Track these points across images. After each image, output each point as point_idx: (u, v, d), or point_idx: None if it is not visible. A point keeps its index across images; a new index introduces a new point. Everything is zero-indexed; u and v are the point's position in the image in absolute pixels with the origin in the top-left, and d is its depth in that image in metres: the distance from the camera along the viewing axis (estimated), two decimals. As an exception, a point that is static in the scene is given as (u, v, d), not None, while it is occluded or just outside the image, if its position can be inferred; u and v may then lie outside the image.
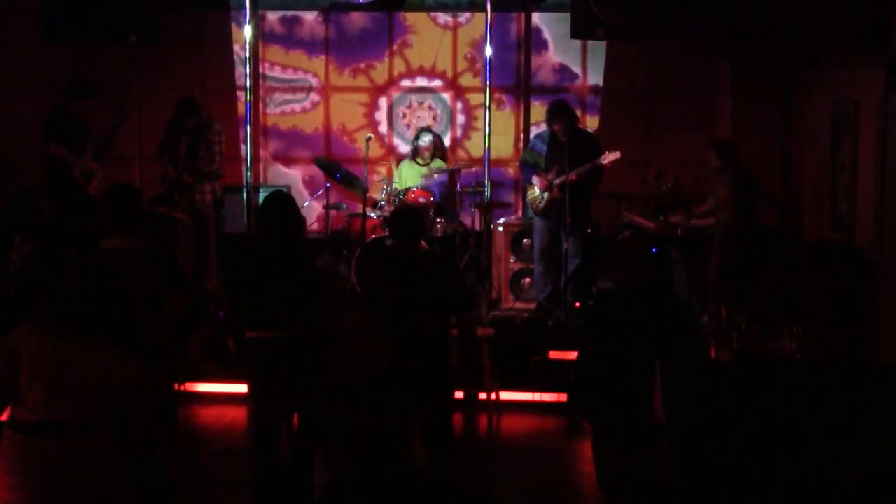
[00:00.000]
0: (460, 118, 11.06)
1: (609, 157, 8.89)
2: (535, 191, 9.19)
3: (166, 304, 5.15)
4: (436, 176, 10.13)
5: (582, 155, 8.92)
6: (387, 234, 9.54)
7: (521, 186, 10.53)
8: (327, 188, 10.07)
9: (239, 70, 10.64)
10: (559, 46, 10.82)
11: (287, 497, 5.91)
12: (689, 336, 5.04)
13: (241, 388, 7.34)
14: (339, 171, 10.03)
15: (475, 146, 10.81)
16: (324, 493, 2.59)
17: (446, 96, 11.03)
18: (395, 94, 11.03)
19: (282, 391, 5.91)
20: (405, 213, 6.39)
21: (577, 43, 10.57)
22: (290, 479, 5.95)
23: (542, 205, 9.15)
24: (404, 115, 11.06)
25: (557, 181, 8.95)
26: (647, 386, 4.62)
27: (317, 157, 10.59)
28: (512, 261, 9.82)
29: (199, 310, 5.64)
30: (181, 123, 9.43)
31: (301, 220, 6.12)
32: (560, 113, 9.00)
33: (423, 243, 8.91)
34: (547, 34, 10.87)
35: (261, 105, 11.01)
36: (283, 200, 6.09)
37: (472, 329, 7.67)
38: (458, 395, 7.68)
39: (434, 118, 10.99)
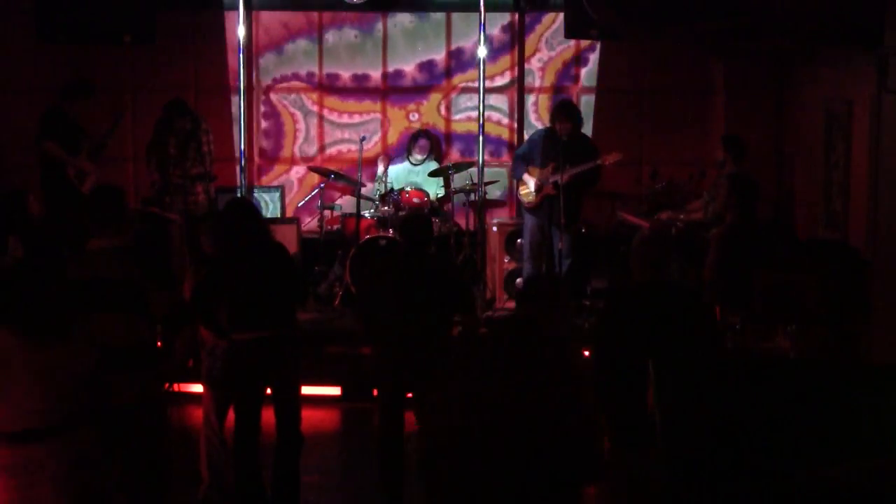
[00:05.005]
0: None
1: (610, 159, 8.92)
2: (528, 187, 9.19)
3: (151, 304, 5.13)
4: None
5: (579, 156, 8.93)
6: (380, 234, 9.55)
7: (514, 183, 10.52)
8: (321, 188, 10.05)
9: (233, 70, 10.60)
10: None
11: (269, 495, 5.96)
12: (707, 329, 5.08)
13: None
14: (333, 172, 10.01)
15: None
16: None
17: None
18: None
19: (262, 392, 5.99)
20: (415, 221, 6.39)
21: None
22: (275, 477, 5.99)
23: (533, 200, 9.15)
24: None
25: (553, 178, 8.95)
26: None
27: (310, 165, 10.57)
28: (506, 261, 9.81)
29: (183, 310, 5.62)
30: (169, 125, 9.41)
31: (265, 222, 6.22)
32: (567, 113, 9.03)
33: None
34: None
35: (254, 104, 10.98)
36: (243, 208, 6.19)
37: (476, 327, 7.66)
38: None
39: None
